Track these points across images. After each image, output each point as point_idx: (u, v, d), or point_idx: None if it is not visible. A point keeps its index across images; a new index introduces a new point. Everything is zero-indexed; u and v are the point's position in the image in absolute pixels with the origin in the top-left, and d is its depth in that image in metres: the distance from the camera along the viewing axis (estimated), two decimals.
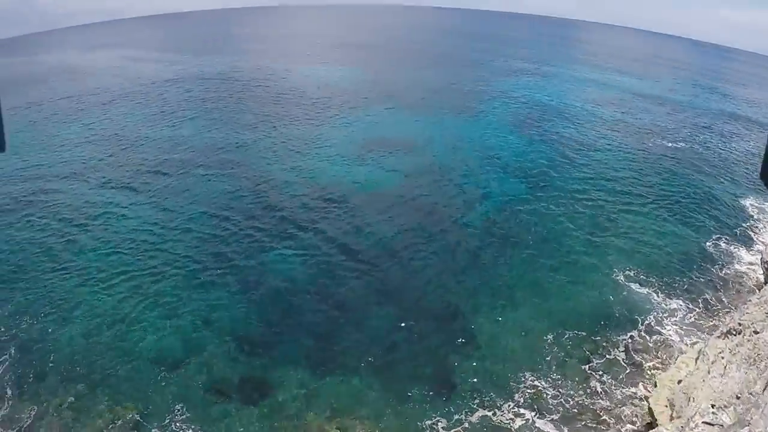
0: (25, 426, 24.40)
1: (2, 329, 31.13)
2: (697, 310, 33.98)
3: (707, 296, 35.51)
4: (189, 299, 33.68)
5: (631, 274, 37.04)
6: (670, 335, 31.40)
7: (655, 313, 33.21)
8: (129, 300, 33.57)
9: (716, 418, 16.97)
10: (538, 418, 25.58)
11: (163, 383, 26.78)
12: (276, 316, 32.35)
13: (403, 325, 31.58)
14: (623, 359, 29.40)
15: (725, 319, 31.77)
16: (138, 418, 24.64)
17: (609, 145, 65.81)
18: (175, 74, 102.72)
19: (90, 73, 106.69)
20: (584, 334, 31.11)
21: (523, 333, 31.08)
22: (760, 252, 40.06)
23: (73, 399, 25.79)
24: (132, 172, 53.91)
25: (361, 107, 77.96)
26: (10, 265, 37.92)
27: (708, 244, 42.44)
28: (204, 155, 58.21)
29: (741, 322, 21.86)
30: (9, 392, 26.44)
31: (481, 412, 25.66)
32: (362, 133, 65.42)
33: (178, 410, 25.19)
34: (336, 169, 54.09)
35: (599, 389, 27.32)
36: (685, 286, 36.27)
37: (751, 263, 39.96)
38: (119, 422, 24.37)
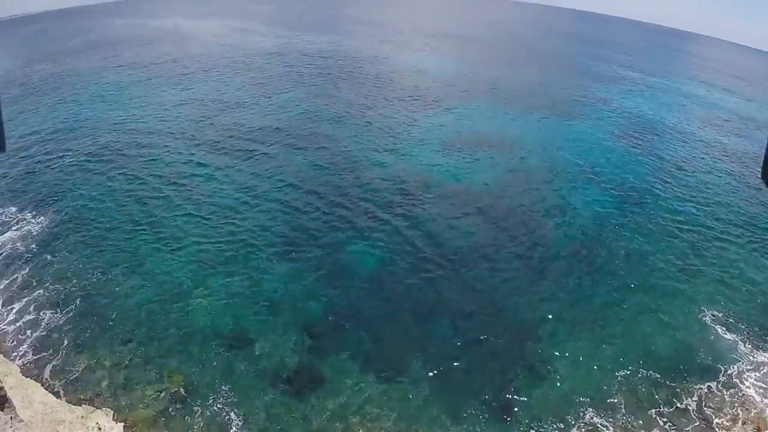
0: (71, 378, 24.03)
1: (74, 279, 31.47)
2: None
3: None
4: (259, 273, 32.60)
5: (719, 316, 32.18)
6: (750, 393, 26.87)
7: (739, 365, 28.47)
8: (199, 265, 33.06)
9: None
10: None
11: (215, 360, 25.69)
12: (341, 303, 30.60)
13: (467, 334, 29.02)
14: (694, 410, 25.41)
15: None
16: (183, 392, 23.62)
17: (710, 168, 58.87)
18: (277, 47, 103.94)
19: (196, 39, 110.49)
20: (657, 375, 27.14)
21: (592, 363, 27.53)
22: None
23: (126, 361, 25.31)
24: (225, 137, 54.28)
25: (457, 98, 74.82)
26: (95, 213, 38.97)
27: None
28: (298, 128, 57.67)
29: None
30: (65, 342, 26.36)
31: None
32: (456, 125, 62.54)
33: (224, 391, 23.98)
34: (426, 157, 51.74)
35: None
36: None
37: None
38: (163, 393, 23.46)
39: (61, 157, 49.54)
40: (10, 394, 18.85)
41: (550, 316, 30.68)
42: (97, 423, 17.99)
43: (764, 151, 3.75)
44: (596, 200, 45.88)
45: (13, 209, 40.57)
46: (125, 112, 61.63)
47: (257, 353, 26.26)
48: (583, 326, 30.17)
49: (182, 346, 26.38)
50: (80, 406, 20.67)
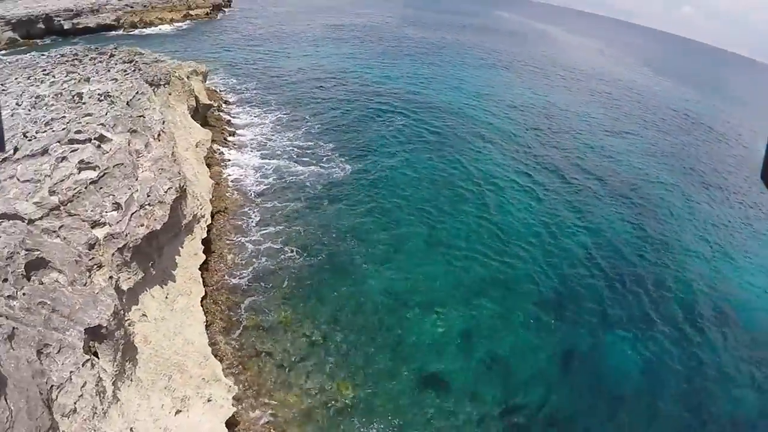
0: (244, 326, 22.10)
1: (334, 233, 30.31)
2: None
3: None
4: (503, 319, 25.80)
5: None
6: None
7: None
8: (457, 282, 27.99)
9: None
10: None
11: (394, 388, 20.62)
12: (564, 402, 22.00)
13: None
14: None
15: None
16: (340, 403, 19.31)
17: None
18: (641, 86, 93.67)
19: (567, 53, 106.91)
20: None
21: None
22: None
23: (312, 339, 22.23)
24: (559, 157, 48.56)
25: None
26: (396, 181, 38.06)
27: None
28: (626, 177, 47.60)
29: None
30: (284, 285, 25.06)
31: None
32: None
33: (391, 425, 19.32)
34: (754, 278, 36.27)
35: None
36: None
37: None
38: (318, 394, 19.46)
39: (391, 113, 50.42)
40: (167, 317, 17.21)
41: None
42: (210, 393, 15.18)
43: (765, 151, 3.58)
44: None
45: (331, 146, 42.04)
46: (469, 93, 60.94)
47: (442, 407, 20.50)
48: None
49: (372, 357, 21.97)
50: (220, 361, 18.30)
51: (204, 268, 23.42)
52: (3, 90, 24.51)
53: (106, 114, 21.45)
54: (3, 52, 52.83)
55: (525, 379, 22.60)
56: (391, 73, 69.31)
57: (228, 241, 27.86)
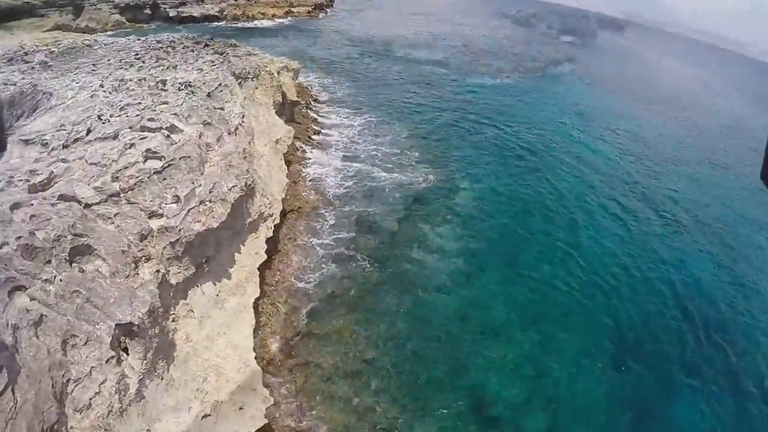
0: (298, 332, 21.39)
1: (416, 247, 29.09)
2: None
3: None
4: (576, 361, 23.34)
5: None
6: None
7: None
8: (525, 302, 26.40)
9: None
10: None
11: (445, 415, 19.06)
12: None
13: None
14: None
15: None
16: (385, 425, 17.92)
17: None
18: (742, 121, 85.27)
19: (667, 76, 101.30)
20: None
21: None
22: None
23: (365, 355, 21.19)
24: (646, 183, 44.72)
25: None
26: (487, 204, 36.06)
27: None
28: (727, 218, 42.12)
29: None
30: (349, 293, 24.40)
31: None
32: None
33: None
34: None
35: None
36: None
37: None
38: (361, 410, 18.21)
39: (483, 124, 48.79)
40: (214, 316, 16.69)
41: None
42: (244, 402, 14.44)
43: (764, 151, 3.73)
44: None
45: (416, 154, 41.54)
46: (567, 111, 58.27)
47: None
48: None
49: (426, 381, 20.66)
50: (267, 364, 17.66)
51: (267, 266, 22.99)
52: (93, 70, 25.30)
53: (182, 104, 21.49)
54: (109, 33, 55.82)
55: (587, 423, 20.54)
56: (487, 83, 67.67)
57: (297, 243, 27.39)
